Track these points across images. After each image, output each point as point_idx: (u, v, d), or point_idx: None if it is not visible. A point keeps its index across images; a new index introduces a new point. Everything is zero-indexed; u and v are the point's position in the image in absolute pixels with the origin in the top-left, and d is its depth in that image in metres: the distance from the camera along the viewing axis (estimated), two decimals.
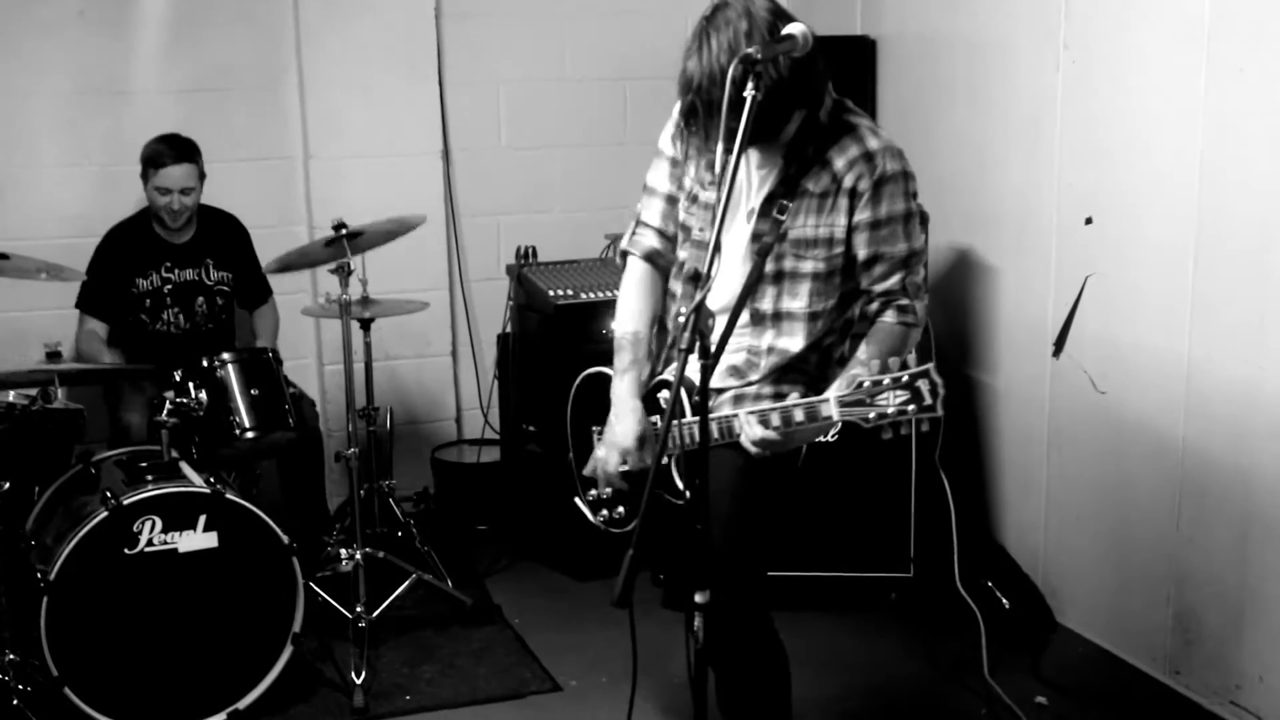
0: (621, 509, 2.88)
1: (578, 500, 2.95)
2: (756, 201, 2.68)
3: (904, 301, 2.70)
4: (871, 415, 2.39)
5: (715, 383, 2.74)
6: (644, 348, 2.83)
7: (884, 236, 2.66)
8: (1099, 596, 4.04)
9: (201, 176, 4.43)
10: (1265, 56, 3.30)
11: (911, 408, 2.37)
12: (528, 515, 4.90)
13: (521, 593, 4.53)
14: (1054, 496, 4.21)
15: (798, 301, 2.71)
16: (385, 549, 4.27)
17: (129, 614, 3.49)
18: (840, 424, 2.47)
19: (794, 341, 2.74)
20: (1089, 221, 3.93)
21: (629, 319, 2.85)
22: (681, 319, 2.40)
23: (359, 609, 3.95)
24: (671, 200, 2.84)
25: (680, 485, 2.69)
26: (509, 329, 5.08)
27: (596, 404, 2.89)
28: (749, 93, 2.38)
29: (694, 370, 2.34)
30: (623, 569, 2.22)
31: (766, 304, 2.73)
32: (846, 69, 4.83)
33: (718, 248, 2.35)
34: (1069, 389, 4.06)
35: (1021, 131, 4.20)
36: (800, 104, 2.58)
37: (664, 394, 2.80)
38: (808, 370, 2.78)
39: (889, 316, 2.70)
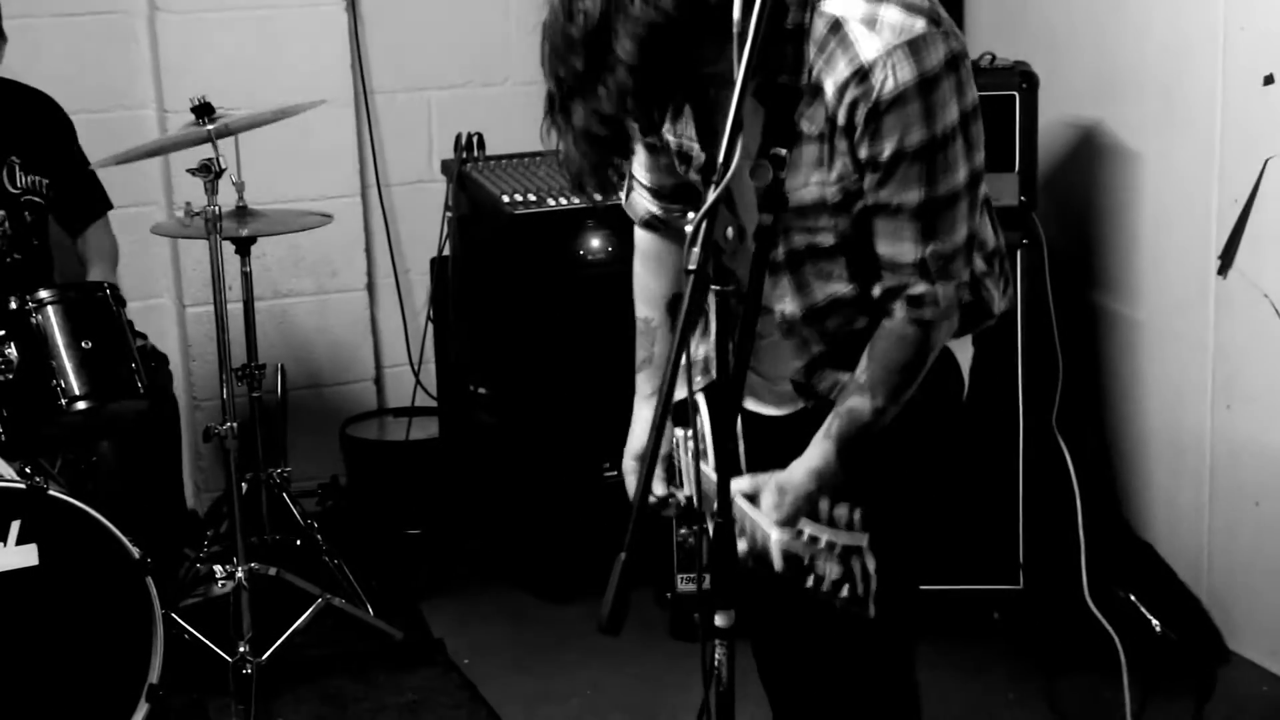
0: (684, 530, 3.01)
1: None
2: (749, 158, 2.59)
3: (919, 289, 2.56)
4: (809, 582, 2.39)
5: (768, 409, 2.82)
6: (657, 335, 2.95)
7: (892, 182, 2.51)
8: None
9: (2, 39, 4.36)
10: None
11: (844, 592, 2.34)
12: (478, 513, 4.92)
13: (471, 621, 4.57)
14: (1222, 473, 4.21)
15: (841, 284, 2.63)
16: (278, 564, 4.29)
17: None
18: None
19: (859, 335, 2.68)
20: (1269, 80, 3.88)
21: (640, 302, 2.99)
22: (689, 228, 2.35)
23: (242, 649, 3.96)
24: (652, 149, 2.84)
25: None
26: (446, 251, 5.09)
27: None
28: None
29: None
30: (613, 579, 2.16)
31: (790, 304, 2.65)
32: None
33: (730, 148, 2.28)
34: (1242, 320, 4.05)
35: None
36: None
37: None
38: None
39: (897, 312, 2.58)
